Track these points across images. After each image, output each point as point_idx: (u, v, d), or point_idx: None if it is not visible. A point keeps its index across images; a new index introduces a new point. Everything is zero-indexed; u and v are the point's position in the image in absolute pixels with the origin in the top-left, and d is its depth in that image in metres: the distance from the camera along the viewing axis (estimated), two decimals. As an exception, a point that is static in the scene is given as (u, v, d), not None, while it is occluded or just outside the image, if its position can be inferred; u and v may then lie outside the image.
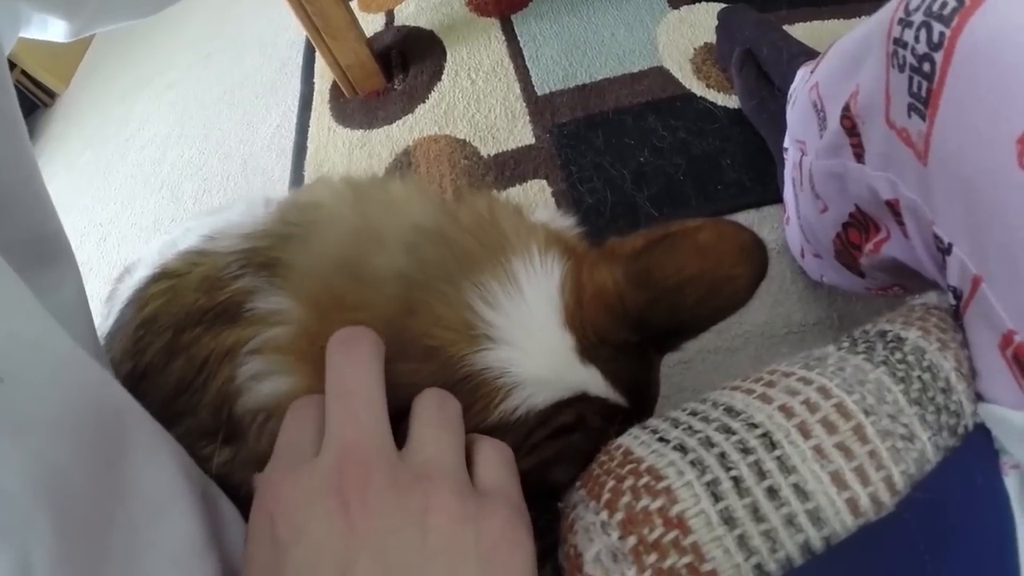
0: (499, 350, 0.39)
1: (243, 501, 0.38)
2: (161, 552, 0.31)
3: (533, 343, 0.40)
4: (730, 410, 0.37)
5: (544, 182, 1.10)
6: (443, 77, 1.32)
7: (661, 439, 0.37)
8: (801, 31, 1.13)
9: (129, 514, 0.29)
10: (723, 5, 1.23)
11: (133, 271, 0.51)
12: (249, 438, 0.40)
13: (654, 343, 0.46)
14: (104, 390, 0.32)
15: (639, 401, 0.45)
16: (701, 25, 1.25)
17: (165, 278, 0.46)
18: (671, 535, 0.32)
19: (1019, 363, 0.34)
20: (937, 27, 0.38)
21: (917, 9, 0.40)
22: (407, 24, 1.47)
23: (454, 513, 0.31)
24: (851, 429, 0.33)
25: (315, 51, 1.37)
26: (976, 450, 0.36)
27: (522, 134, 1.18)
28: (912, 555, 0.32)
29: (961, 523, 0.33)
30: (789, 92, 0.81)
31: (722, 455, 0.34)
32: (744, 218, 0.98)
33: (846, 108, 0.51)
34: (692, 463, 0.34)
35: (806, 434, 0.33)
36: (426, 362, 0.39)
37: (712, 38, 1.20)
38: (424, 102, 1.29)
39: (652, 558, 0.32)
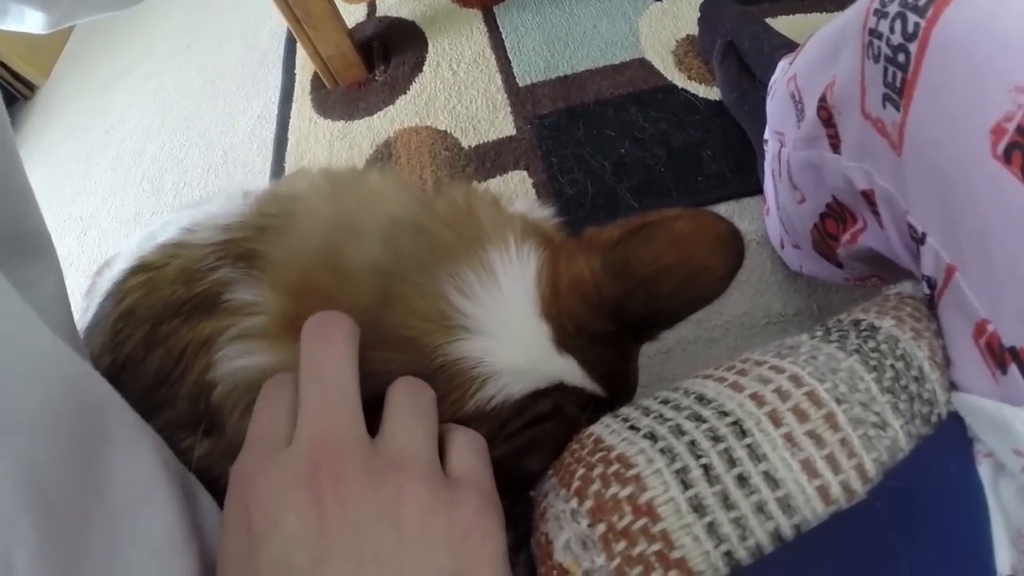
0: (475, 340, 0.39)
1: (222, 493, 0.38)
2: (140, 545, 0.31)
3: (509, 333, 0.40)
4: (701, 398, 0.37)
5: (525, 173, 1.09)
6: (424, 68, 1.31)
7: (632, 427, 0.37)
8: (783, 24, 1.14)
9: (107, 508, 0.29)
10: (705, -3, 1.23)
11: (112, 264, 0.51)
12: (228, 430, 0.40)
13: (631, 332, 0.46)
14: (84, 384, 0.32)
15: (616, 390, 0.45)
16: (683, 17, 1.25)
17: (143, 271, 0.45)
18: (640, 523, 0.32)
19: (992, 352, 0.34)
20: (912, 18, 0.38)
21: (892, 0, 0.40)
22: (388, 15, 1.46)
23: (425, 504, 0.31)
24: (822, 417, 0.33)
25: (296, 42, 1.36)
26: (949, 438, 0.36)
27: (503, 125, 1.17)
28: (884, 543, 0.32)
29: (933, 511, 0.33)
30: (769, 84, 0.81)
31: (692, 443, 0.34)
32: (724, 209, 0.99)
33: (822, 99, 0.51)
34: (662, 451, 0.34)
35: (777, 422, 0.33)
36: (402, 352, 0.39)
37: (694, 30, 1.20)
38: (405, 93, 1.28)
39: (621, 545, 0.32)
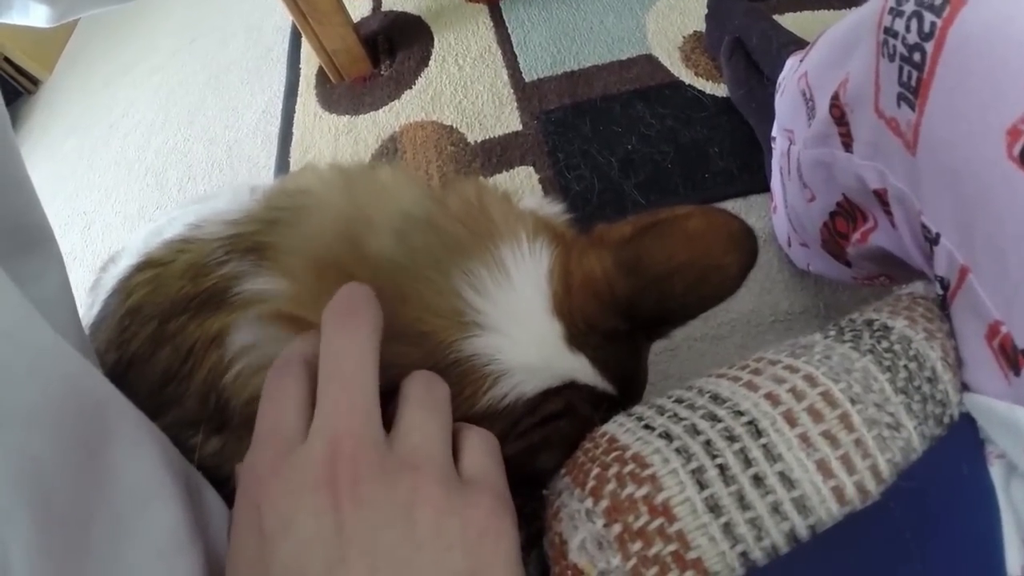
0: (488, 337, 0.39)
1: (232, 492, 0.38)
2: (145, 544, 0.30)
3: (522, 331, 0.40)
4: (716, 397, 0.37)
5: (531, 169, 1.09)
6: (430, 63, 1.31)
7: (646, 426, 0.37)
8: (791, 21, 1.13)
9: (111, 506, 0.29)
10: (713, -7, 1.23)
11: (117, 260, 0.51)
12: (237, 427, 0.40)
13: (642, 330, 0.46)
14: (86, 381, 0.32)
15: (627, 388, 0.44)
16: (690, 13, 1.25)
17: (150, 267, 0.45)
18: (656, 523, 0.32)
19: (1005, 353, 0.34)
20: (928, 17, 0.38)
21: None
22: (394, 9, 1.46)
23: (440, 504, 0.31)
24: (837, 417, 0.33)
25: (301, 36, 1.36)
26: (962, 439, 0.36)
27: (509, 120, 1.17)
28: (898, 544, 0.32)
29: (946, 512, 0.33)
30: (778, 81, 0.81)
31: (707, 443, 0.34)
32: (731, 207, 0.98)
33: (835, 97, 0.51)
34: (677, 451, 0.34)
35: (792, 422, 0.33)
36: (416, 346, 0.39)
37: (701, 26, 1.20)
38: (411, 88, 1.28)
39: (637, 546, 0.32)
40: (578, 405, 0.42)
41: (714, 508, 0.32)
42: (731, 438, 0.33)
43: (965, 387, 0.37)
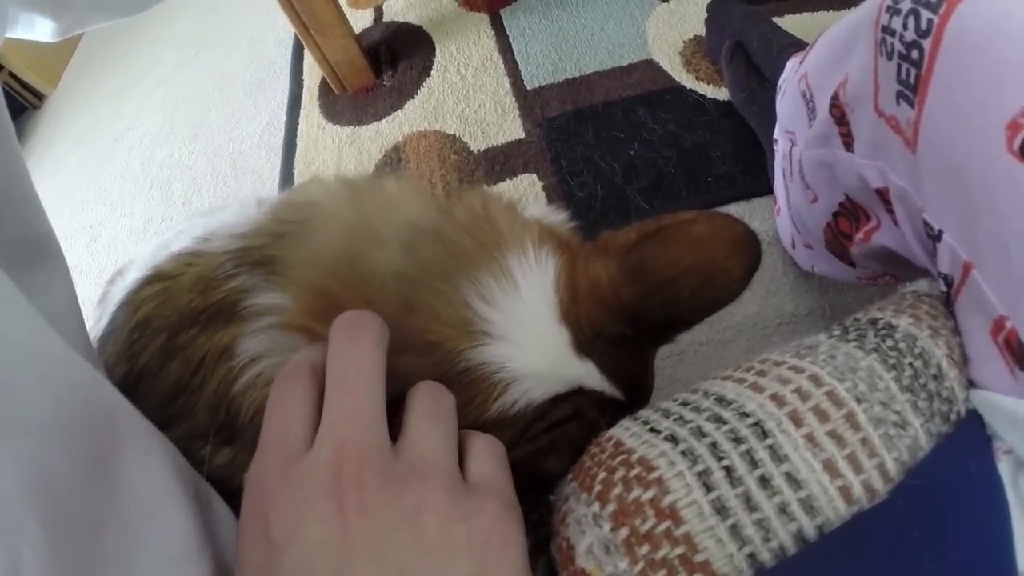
0: (496, 345, 0.39)
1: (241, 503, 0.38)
2: (155, 552, 0.31)
3: (530, 338, 0.40)
4: (721, 400, 0.37)
5: (534, 176, 1.09)
6: (432, 72, 1.31)
7: (652, 430, 0.37)
8: (790, 23, 1.14)
9: (122, 515, 0.29)
10: (712, -3, 1.23)
11: (125, 273, 0.51)
12: (247, 438, 0.40)
13: (649, 336, 0.46)
14: (96, 391, 0.32)
15: (634, 393, 0.45)
16: (690, 18, 1.25)
17: (158, 280, 0.45)
18: (663, 526, 0.32)
19: (1011, 349, 0.34)
20: (925, 14, 0.38)
21: None
22: (396, 20, 1.47)
23: (446, 512, 0.31)
24: (843, 417, 0.33)
25: (304, 48, 1.36)
26: (969, 436, 0.36)
27: (512, 128, 1.17)
28: (907, 542, 0.32)
29: (955, 509, 0.33)
30: (779, 83, 0.81)
31: (713, 445, 0.34)
32: (734, 210, 0.98)
33: (835, 97, 0.51)
34: (683, 453, 0.34)
35: (798, 422, 0.33)
36: (425, 356, 0.39)
37: (701, 31, 1.20)
38: (413, 98, 1.28)
39: (645, 549, 0.32)
40: (586, 410, 0.42)
41: (721, 510, 0.32)
42: (737, 440, 0.33)
43: (971, 384, 0.37)
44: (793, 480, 0.32)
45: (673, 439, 0.35)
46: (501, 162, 1.13)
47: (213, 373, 0.41)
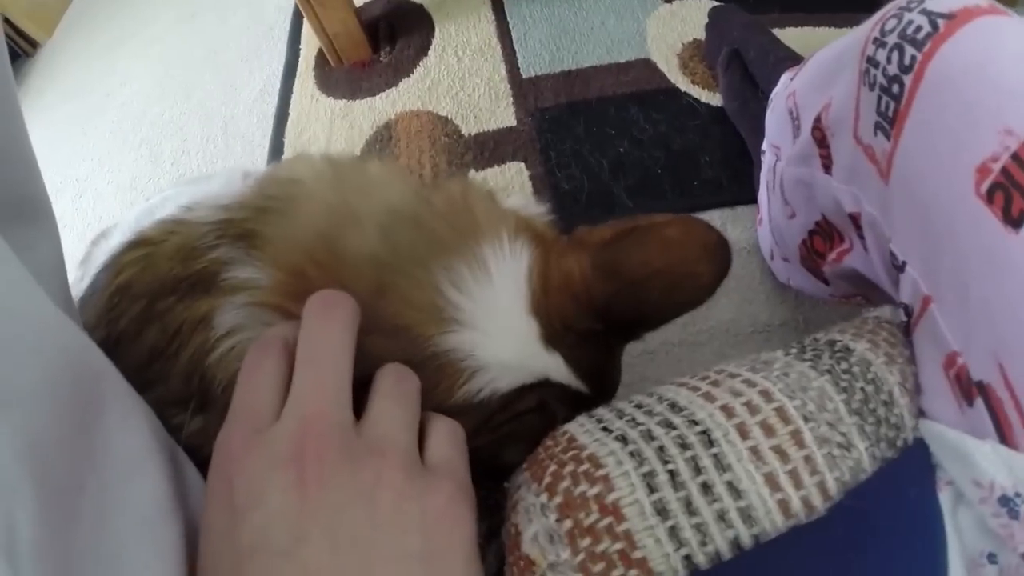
0: (465, 333, 0.40)
1: None
2: (130, 513, 0.31)
3: (499, 328, 0.41)
4: (673, 406, 0.38)
5: (522, 165, 1.10)
6: (430, 52, 1.31)
7: (604, 428, 0.38)
8: (792, 36, 1.14)
9: (100, 477, 0.30)
10: (715, 3, 1.23)
11: (109, 236, 0.51)
12: (219, 407, 0.40)
13: (617, 332, 0.47)
14: (82, 354, 0.33)
15: (600, 387, 0.46)
16: (691, 21, 1.25)
17: (141, 245, 0.46)
18: (605, 521, 0.33)
19: (960, 384, 0.35)
20: (909, 50, 0.38)
21: (892, 31, 0.41)
22: (398, -4, 1.46)
23: (401, 489, 0.32)
24: (789, 433, 0.34)
25: (303, 17, 1.35)
26: (913, 464, 0.37)
27: (504, 115, 1.17)
28: (839, 560, 0.33)
29: (890, 532, 0.34)
30: (770, 96, 0.82)
31: (661, 448, 0.35)
32: (718, 216, 1.00)
33: (818, 119, 0.52)
34: (631, 454, 0.35)
35: (744, 435, 0.34)
36: (394, 339, 0.39)
37: (701, 35, 1.20)
38: (409, 76, 1.28)
39: (586, 542, 0.33)
40: (550, 402, 0.43)
41: (662, 511, 0.33)
42: (684, 445, 0.34)
43: (921, 413, 0.38)
44: (734, 489, 0.33)
45: (623, 439, 0.36)
46: (491, 148, 1.13)
47: (189, 342, 0.41)
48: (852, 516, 0.33)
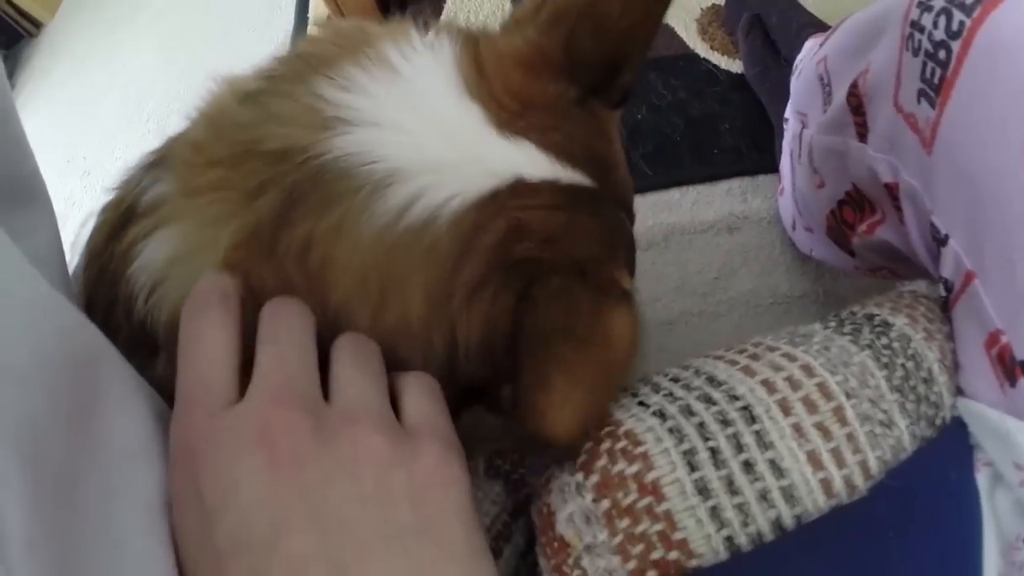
0: (361, 132, 0.32)
1: None
2: (133, 501, 0.29)
3: (418, 120, 0.33)
4: (712, 379, 0.37)
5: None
6: (441, 18, 1.28)
7: (641, 403, 0.37)
8: (812, 2, 1.11)
9: (100, 464, 0.28)
10: (734, -34, 1.20)
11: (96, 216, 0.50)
12: (167, 346, 0.36)
13: (595, 90, 0.39)
14: (80, 335, 0.31)
15: (602, 172, 0.37)
16: (711, -15, 1.22)
17: (102, 212, 0.44)
18: (645, 501, 0.33)
19: (1003, 363, 0.34)
20: (958, 15, 0.37)
21: None
22: (409, -39, 1.43)
23: (383, 458, 0.29)
24: (831, 410, 0.33)
25: (311, -13, 1.33)
26: (952, 443, 0.36)
27: (520, 83, 1.15)
28: (880, 541, 0.32)
29: (930, 514, 0.34)
30: (795, 63, 0.80)
31: (701, 424, 0.34)
32: (738, 185, 0.98)
33: (854, 86, 0.50)
34: (671, 430, 0.34)
35: (786, 411, 0.33)
36: (274, 165, 0.33)
37: (721, 0, 1.18)
38: (421, 43, 1.25)
39: (624, 523, 0.33)
40: (543, 217, 0.33)
41: (703, 491, 0.32)
42: (725, 422, 0.34)
43: (960, 391, 0.37)
44: (776, 468, 0.32)
45: (662, 415, 0.35)
46: (506, 118, 1.11)
47: (122, 279, 0.37)
48: (894, 496, 0.33)
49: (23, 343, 0.26)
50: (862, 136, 0.50)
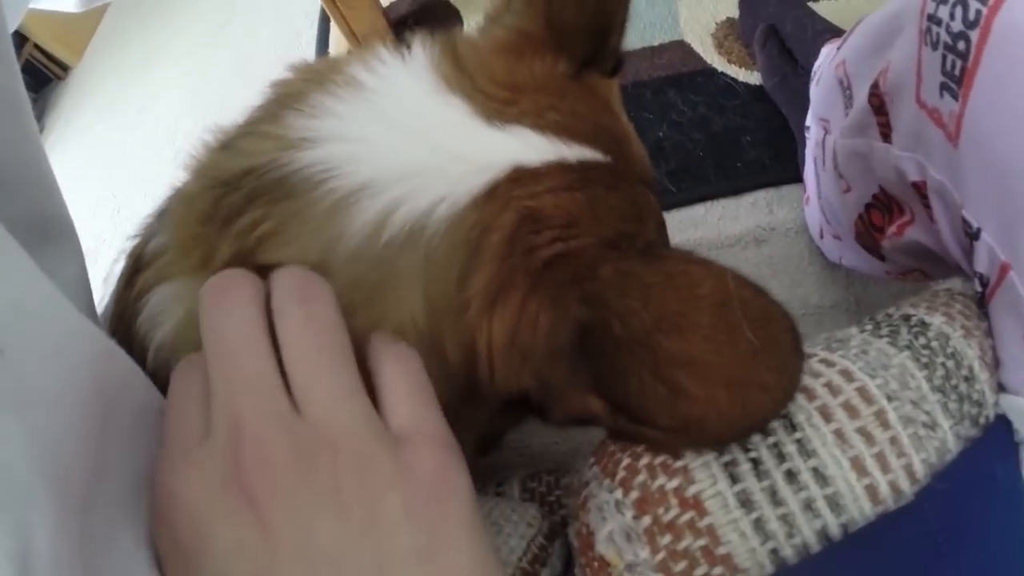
0: (324, 148, 0.31)
1: None
2: (134, 535, 0.28)
3: (388, 130, 0.31)
4: None
5: (560, 157, 1.08)
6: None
7: None
8: (825, 8, 1.11)
9: (109, 492, 0.28)
10: (746, -21, 1.20)
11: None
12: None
13: (587, 61, 0.38)
14: (108, 362, 0.30)
15: (615, 147, 0.35)
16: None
17: (126, 258, 0.44)
18: (687, 516, 0.32)
19: None
20: (974, 4, 0.36)
21: None
22: (423, -6, 1.45)
23: (371, 482, 0.27)
24: (873, 414, 0.32)
25: (330, 20, 1.35)
26: (996, 442, 0.35)
27: (538, 108, 1.16)
28: (930, 547, 0.31)
29: (979, 516, 0.33)
30: (813, 69, 0.80)
31: None
32: (763, 197, 0.97)
33: (875, 86, 0.50)
34: None
35: (827, 417, 0.33)
36: (239, 179, 0.32)
37: (735, 12, 1.17)
38: (440, 75, 1.27)
39: (666, 539, 0.32)
40: (555, 203, 0.31)
41: (746, 503, 0.31)
42: (765, 432, 0.33)
43: (1001, 388, 0.36)
44: (820, 476, 0.31)
45: None
46: (526, 141, 1.11)
47: (134, 328, 0.37)
48: (941, 499, 0.32)
49: (51, 368, 0.26)
50: (886, 136, 0.49)
